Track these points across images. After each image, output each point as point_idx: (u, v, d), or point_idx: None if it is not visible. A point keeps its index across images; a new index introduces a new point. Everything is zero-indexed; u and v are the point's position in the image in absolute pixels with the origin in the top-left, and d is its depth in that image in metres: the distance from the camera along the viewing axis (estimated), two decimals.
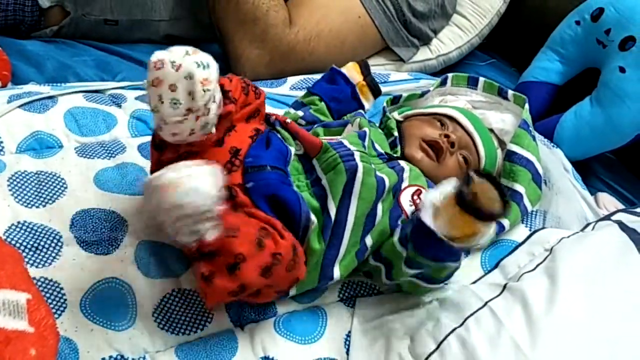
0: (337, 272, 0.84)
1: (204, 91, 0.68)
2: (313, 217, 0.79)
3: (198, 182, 0.66)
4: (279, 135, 0.87)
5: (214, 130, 0.74)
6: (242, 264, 0.69)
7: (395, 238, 0.84)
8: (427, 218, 0.73)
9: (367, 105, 1.02)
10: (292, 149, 0.85)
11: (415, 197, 0.88)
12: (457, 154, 0.97)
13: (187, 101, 0.68)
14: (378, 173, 0.85)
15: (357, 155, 0.83)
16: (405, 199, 0.87)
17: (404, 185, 0.88)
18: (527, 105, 1.07)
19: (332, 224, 0.82)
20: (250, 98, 0.83)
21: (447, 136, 0.96)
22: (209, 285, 0.71)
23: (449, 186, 0.73)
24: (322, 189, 0.82)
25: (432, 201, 0.74)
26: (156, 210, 0.66)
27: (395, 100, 1.11)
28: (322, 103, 0.99)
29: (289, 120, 0.89)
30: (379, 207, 0.85)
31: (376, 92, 1.02)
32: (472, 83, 1.13)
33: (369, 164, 0.84)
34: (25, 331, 0.65)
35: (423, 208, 0.74)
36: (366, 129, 0.91)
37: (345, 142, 0.85)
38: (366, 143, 0.89)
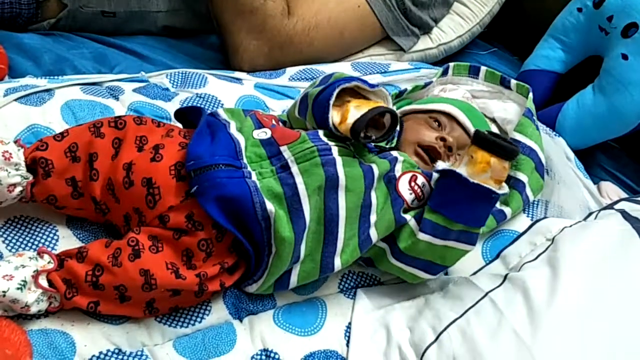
0: (337, 263, 0.83)
1: None
2: (270, 206, 0.76)
3: None
4: (228, 126, 0.85)
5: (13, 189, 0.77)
6: (98, 308, 0.75)
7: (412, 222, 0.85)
8: (452, 167, 0.81)
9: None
10: (241, 140, 0.83)
11: (412, 184, 0.87)
12: (455, 157, 0.95)
13: None
14: (365, 163, 0.84)
15: (334, 150, 0.81)
16: (403, 187, 0.86)
17: (397, 173, 0.87)
18: (531, 95, 1.06)
19: (324, 219, 0.80)
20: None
21: (443, 139, 0.94)
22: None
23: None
24: (291, 176, 0.79)
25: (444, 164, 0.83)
26: None
27: (400, 94, 1.10)
28: None
29: (266, 119, 0.88)
30: (373, 195, 0.84)
31: None
32: (474, 72, 1.12)
33: (350, 156, 0.82)
34: None
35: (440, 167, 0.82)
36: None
37: (321, 135, 0.83)
38: None
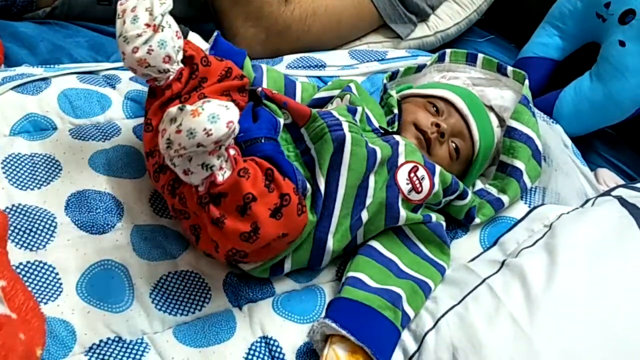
0: (330, 244, 0.83)
1: (161, 4, 0.77)
2: (308, 185, 0.80)
3: (221, 112, 0.66)
4: (266, 108, 0.87)
5: (173, 64, 0.78)
6: (253, 204, 0.70)
7: None
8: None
9: None
10: (281, 120, 0.86)
11: (412, 175, 0.87)
12: (448, 143, 0.96)
13: (144, 17, 0.76)
14: (370, 144, 0.84)
15: (345, 125, 0.82)
16: (402, 177, 0.87)
17: (400, 160, 0.87)
18: (527, 82, 1.06)
19: (323, 197, 0.82)
20: (214, 67, 0.83)
21: (437, 125, 0.94)
22: (221, 228, 0.71)
23: None
24: (312, 159, 0.83)
25: None
26: (176, 138, 0.67)
27: (393, 76, 1.10)
28: None
29: (275, 91, 0.89)
30: (371, 178, 0.85)
31: None
32: (471, 59, 1.12)
33: (359, 134, 0.84)
34: (10, 316, 0.64)
35: None
36: (358, 107, 0.90)
37: (334, 113, 0.85)
38: (357, 117, 0.89)
